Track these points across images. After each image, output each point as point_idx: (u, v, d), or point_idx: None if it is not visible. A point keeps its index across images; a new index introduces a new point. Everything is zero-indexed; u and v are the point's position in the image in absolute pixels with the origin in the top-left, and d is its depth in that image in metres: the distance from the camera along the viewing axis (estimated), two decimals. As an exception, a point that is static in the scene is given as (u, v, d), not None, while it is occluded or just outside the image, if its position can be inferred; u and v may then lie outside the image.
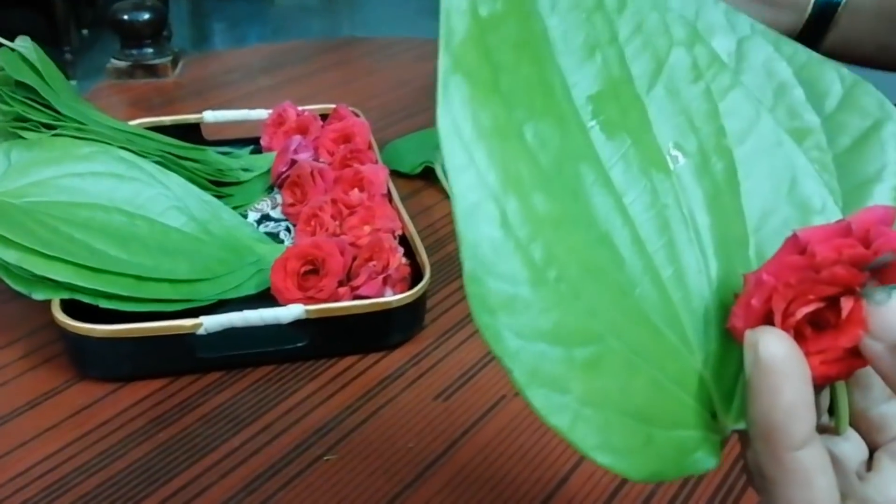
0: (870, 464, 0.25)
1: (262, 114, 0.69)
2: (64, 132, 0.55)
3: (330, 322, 0.48)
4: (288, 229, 0.60)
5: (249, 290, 0.53)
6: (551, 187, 0.23)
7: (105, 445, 0.44)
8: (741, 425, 0.24)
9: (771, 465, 0.22)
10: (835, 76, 0.29)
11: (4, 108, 0.55)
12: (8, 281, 0.47)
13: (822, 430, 0.25)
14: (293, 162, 0.63)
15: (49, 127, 0.55)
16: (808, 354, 0.22)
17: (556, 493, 0.40)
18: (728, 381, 0.25)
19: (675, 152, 0.26)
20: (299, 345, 0.49)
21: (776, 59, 0.29)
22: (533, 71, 0.24)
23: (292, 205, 0.61)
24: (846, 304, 0.22)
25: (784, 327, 0.23)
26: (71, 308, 0.47)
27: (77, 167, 0.53)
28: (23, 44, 0.57)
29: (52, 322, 0.47)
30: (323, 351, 0.49)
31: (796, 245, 0.23)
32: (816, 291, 0.23)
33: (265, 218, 0.62)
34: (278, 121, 0.68)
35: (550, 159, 0.23)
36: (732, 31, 0.29)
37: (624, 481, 0.41)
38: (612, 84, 0.26)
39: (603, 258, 0.23)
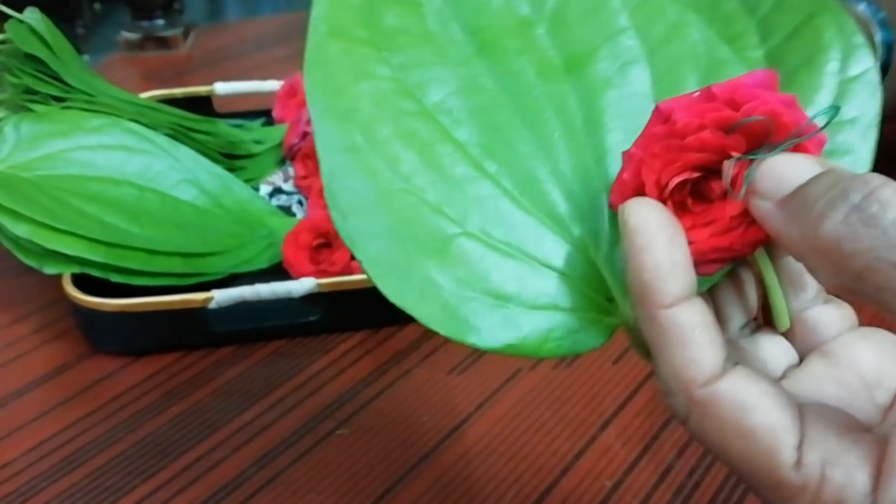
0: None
1: (274, 85, 0.68)
2: (73, 105, 0.55)
3: (343, 295, 0.47)
4: (300, 202, 0.60)
5: (261, 263, 0.52)
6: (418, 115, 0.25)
7: (118, 419, 0.43)
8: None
9: (648, 328, 0.21)
10: None
11: (13, 80, 0.55)
12: (19, 255, 0.47)
13: (752, 330, 0.25)
14: (305, 134, 0.62)
15: (58, 99, 0.55)
16: (694, 227, 0.22)
17: (573, 466, 0.40)
18: (619, 263, 0.25)
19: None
20: (312, 318, 0.48)
21: None
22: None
23: (305, 177, 0.60)
24: (727, 170, 0.22)
25: (660, 199, 0.22)
26: (82, 282, 0.46)
27: (87, 140, 0.53)
28: (31, 15, 0.56)
29: (64, 296, 0.47)
30: (336, 325, 0.49)
31: (660, 116, 0.22)
32: (685, 160, 0.22)
33: (277, 191, 0.61)
34: (290, 92, 0.67)
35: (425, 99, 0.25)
36: None
37: (653, 438, 0.40)
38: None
39: (457, 156, 0.25)
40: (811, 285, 0.24)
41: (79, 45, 0.60)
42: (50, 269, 0.47)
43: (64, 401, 0.45)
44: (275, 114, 0.68)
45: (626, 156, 0.23)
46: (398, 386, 0.45)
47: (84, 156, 0.52)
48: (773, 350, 0.24)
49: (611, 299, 0.24)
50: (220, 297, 0.46)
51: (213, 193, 0.55)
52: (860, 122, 0.27)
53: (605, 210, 0.25)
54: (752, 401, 0.20)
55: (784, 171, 0.21)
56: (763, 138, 0.22)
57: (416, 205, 0.24)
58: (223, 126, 0.63)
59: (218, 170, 0.56)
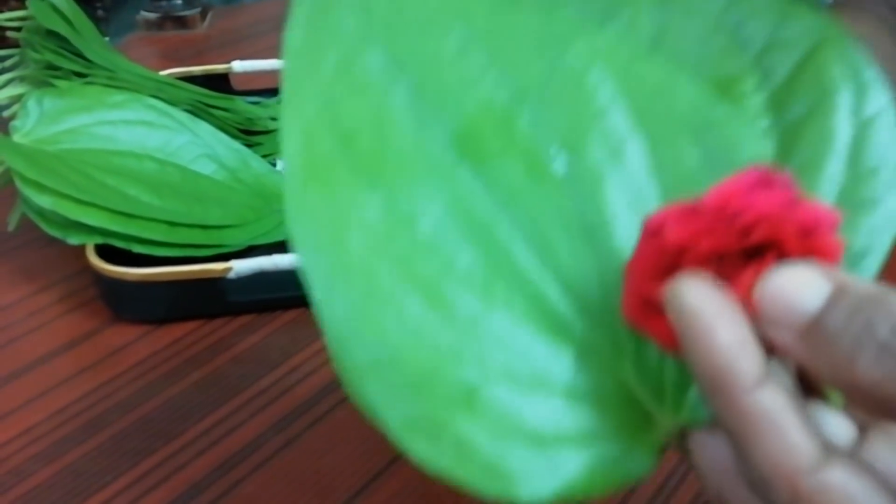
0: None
1: (290, 63, 0.69)
2: (95, 80, 0.56)
3: (358, 267, 0.48)
4: (316, 177, 0.60)
5: (278, 236, 0.53)
6: (415, 249, 0.22)
7: (139, 385, 0.45)
8: (683, 416, 0.22)
9: (731, 418, 0.19)
10: (767, 5, 0.26)
11: (36, 56, 0.56)
12: (43, 226, 0.48)
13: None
14: (321, 111, 0.63)
15: (80, 75, 0.56)
16: None
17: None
18: (653, 372, 0.23)
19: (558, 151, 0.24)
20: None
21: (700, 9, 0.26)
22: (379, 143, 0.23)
23: (320, 153, 0.61)
24: (740, 279, 0.19)
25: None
26: (105, 252, 0.48)
27: (109, 115, 0.54)
28: (53, -7, 0.57)
29: (87, 266, 0.48)
30: (351, 295, 0.50)
31: (649, 230, 0.20)
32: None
33: (294, 166, 0.62)
34: (306, 70, 0.68)
35: (428, 225, 0.23)
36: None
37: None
38: (475, 116, 0.24)
39: (463, 288, 0.22)
40: None
41: (99, 26, 0.61)
42: (73, 240, 0.48)
43: (87, 367, 0.46)
44: (291, 91, 0.68)
45: (625, 270, 0.21)
46: (412, 354, 0.46)
47: (106, 130, 0.53)
48: (833, 425, 0.21)
49: (647, 414, 0.22)
50: (240, 267, 0.47)
51: (231, 168, 0.56)
52: (884, 169, 0.24)
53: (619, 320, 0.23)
54: (864, 496, 0.18)
55: (792, 297, 0.19)
56: (773, 242, 0.19)
57: (433, 355, 0.21)
58: (241, 103, 0.64)
59: (236, 145, 0.57)
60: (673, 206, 0.20)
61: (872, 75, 0.25)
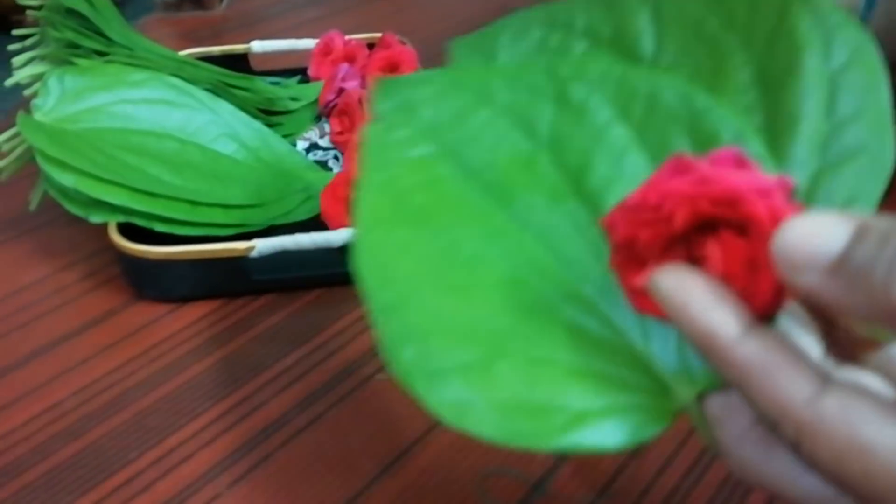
0: None
1: (309, 43, 0.69)
2: (115, 59, 0.56)
3: (380, 246, 0.48)
4: (336, 157, 0.60)
5: (300, 216, 0.53)
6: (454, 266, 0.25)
7: (163, 363, 0.45)
8: (700, 384, 0.23)
9: (729, 372, 0.20)
10: None
11: (56, 34, 0.55)
12: (66, 205, 0.48)
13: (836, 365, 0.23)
14: (341, 90, 0.63)
15: (100, 54, 0.56)
16: None
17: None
18: (673, 346, 0.24)
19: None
20: (350, 268, 0.49)
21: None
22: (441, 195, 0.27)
23: (340, 133, 0.61)
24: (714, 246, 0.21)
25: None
26: (127, 231, 0.48)
27: (129, 94, 0.54)
28: (73, -28, 0.57)
29: (110, 245, 0.48)
30: (373, 275, 0.50)
31: (608, 230, 0.23)
32: (649, 266, 0.22)
33: (314, 147, 0.62)
34: (325, 50, 0.68)
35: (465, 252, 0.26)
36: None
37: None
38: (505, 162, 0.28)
39: (493, 294, 0.25)
40: None
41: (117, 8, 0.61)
42: (96, 218, 0.48)
43: (110, 345, 0.46)
44: (310, 71, 0.68)
45: (610, 268, 0.24)
46: (435, 334, 0.46)
47: (126, 109, 0.53)
48: (871, 384, 0.21)
49: (665, 385, 0.24)
50: (262, 246, 0.46)
51: (252, 148, 0.56)
52: (865, 113, 0.25)
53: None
54: (864, 416, 0.19)
55: (814, 240, 0.19)
56: (723, 206, 0.21)
57: (466, 333, 0.24)
58: (260, 83, 0.64)
59: (257, 125, 0.57)
60: (617, 206, 0.23)
61: (839, 19, 0.25)
